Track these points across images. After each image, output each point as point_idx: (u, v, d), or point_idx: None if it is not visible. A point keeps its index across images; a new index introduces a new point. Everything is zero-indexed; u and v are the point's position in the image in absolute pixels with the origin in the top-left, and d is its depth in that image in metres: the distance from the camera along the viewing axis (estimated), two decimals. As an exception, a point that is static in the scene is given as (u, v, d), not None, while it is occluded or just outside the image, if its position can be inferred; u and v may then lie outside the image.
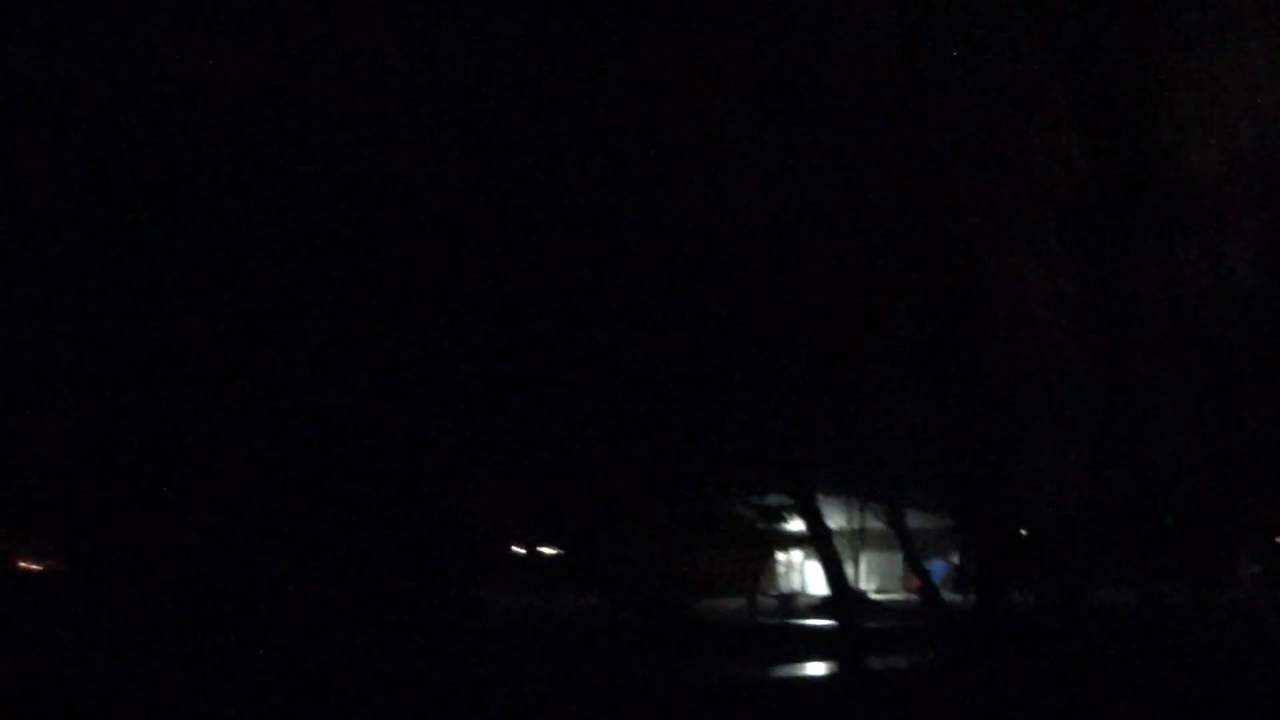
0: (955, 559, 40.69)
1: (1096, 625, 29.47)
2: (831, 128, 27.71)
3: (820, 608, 42.18)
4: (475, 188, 29.85)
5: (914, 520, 34.21)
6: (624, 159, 29.28)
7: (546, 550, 41.66)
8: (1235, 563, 34.82)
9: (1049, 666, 26.30)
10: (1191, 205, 28.33)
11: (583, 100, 29.27)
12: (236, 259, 29.10)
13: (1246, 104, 28.17)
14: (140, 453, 29.60)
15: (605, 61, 28.72)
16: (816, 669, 31.13)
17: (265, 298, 28.82)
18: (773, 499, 40.48)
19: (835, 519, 38.31)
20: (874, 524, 39.53)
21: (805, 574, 50.36)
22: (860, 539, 43.33)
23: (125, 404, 28.78)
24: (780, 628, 40.10)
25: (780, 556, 50.81)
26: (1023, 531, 32.86)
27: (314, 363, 28.93)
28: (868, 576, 46.51)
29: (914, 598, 36.10)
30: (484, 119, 29.65)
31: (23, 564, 37.56)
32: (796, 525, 40.34)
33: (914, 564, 33.75)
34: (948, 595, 33.78)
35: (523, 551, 42.35)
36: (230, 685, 24.59)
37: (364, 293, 29.29)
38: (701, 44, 27.76)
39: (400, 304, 29.55)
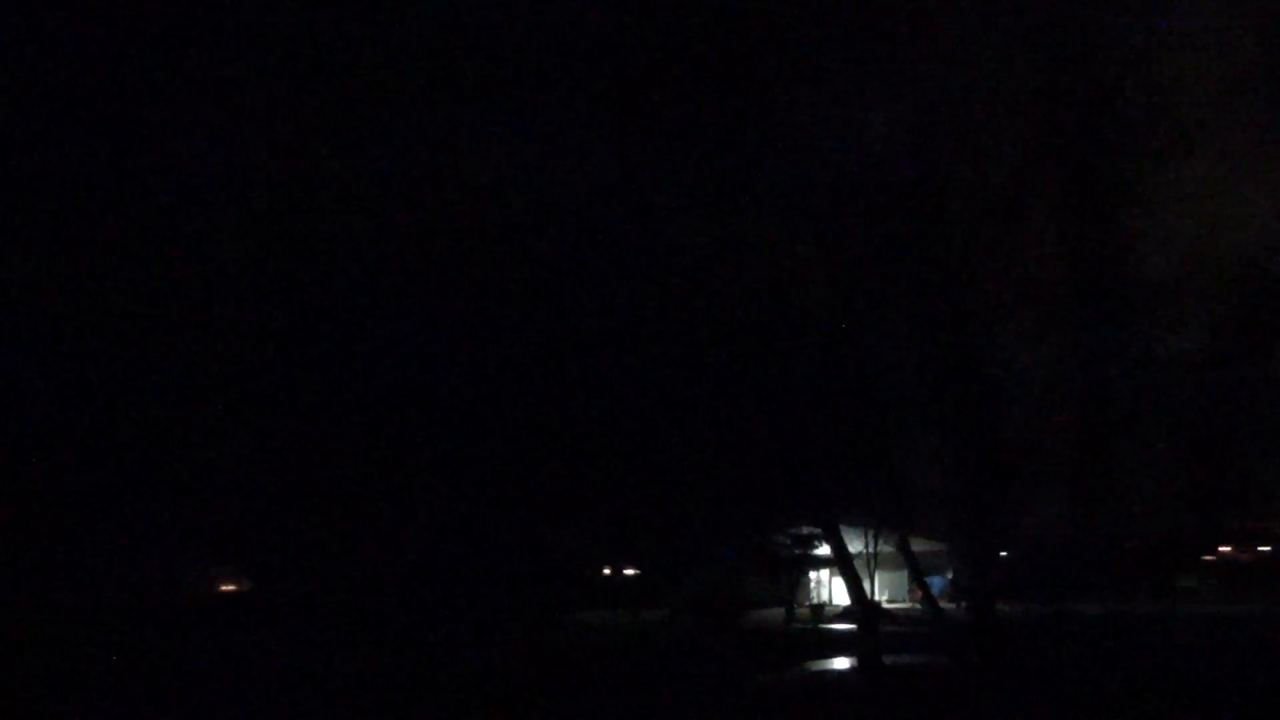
0: (950, 575, 41.29)
1: (1070, 628, 29.60)
2: (863, 243, 27.10)
3: (844, 614, 43.02)
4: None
5: (917, 545, 33.98)
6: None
7: (630, 573, 41.88)
8: (1173, 579, 35.24)
9: (1030, 662, 26.59)
10: (1148, 298, 27.60)
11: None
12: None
13: (1195, 214, 27.38)
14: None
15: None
16: (841, 664, 30.84)
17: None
18: (805, 531, 41.37)
19: (856, 545, 37.99)
20: (887, 549, 40.15)
21: (833, 588, 51.40)
22: (875, 560, 43.14)
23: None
24: (813, 630, 40.32)
25: (813, 576, 51.50)
26: (1004, 554, 32.29)
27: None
28: (882, 590, 46.74)
29: (918, 606, 36.57)
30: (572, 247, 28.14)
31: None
32: (824, 550, 40.67)
33: (918, 579, 33.60)
34: (944, 604, 33.71)
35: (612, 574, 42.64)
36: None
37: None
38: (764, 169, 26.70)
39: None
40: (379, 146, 27.75)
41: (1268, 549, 42.53)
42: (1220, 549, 43.10)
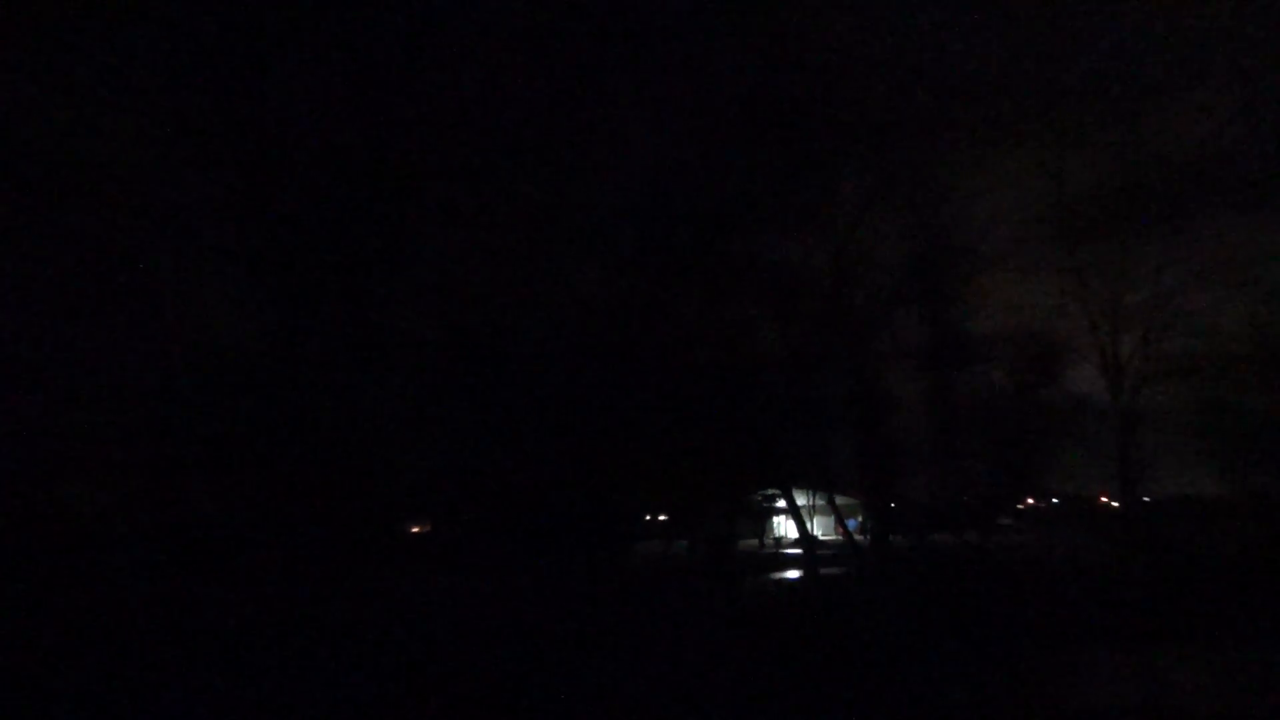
0: (860, 519, 41.94)
1: (931, 554, 30.48)
2: (804, 333, 27.80)
3: (795, 544, 43.51)
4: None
5: (840, 500, 34.47)
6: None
7: (663, 518, 41.72)
8: (997, 519, 36.16)
9: (906, 574, 27.32)
10: (976, 350, 29.86)
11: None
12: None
13: (1000, 302, 30.15)
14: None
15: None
16: (793, 575, 31.49)
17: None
18: (770, 492, 42.05)
19: (802, 500, 38.42)
20: (821, 502, 40.92)
21: (787, 528, 51.39)
22: (814, 510, 44.59)
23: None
24: (775, 555, 40.70)
25: (775, 520, 51.70)
26: (893, 505, 33.35)
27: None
28: (818, 528, 47.30)
29: (840, 539, 35.90)
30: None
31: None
32: (782, 504, 40.94)
33: (840, 522, 34.09)
34: (857, 538, 34.42)
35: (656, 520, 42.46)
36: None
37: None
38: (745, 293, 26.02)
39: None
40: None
41: (1056, 501, 45.33)
42: (1028, 501, 45.45)
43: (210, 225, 13.55)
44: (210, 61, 12.80)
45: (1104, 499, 39.53)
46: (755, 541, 46.48)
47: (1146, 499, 34.00)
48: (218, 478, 19.03)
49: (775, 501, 44.04)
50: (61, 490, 20.77)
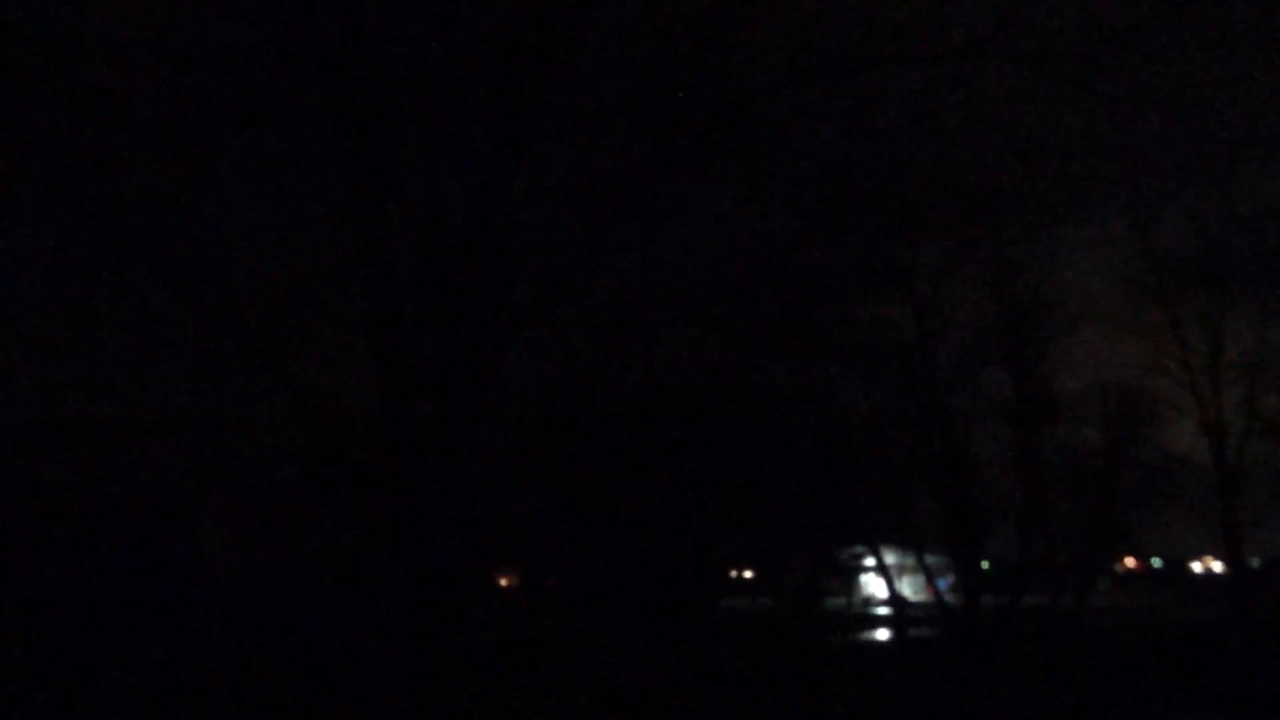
0: (951, 579, 40.54)
1: (1026, 615, 29.82)
2: (888, 393, 28.04)
3: (883, 604, 44.41)
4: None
5: (931, 559, 34.56)
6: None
7: (749, 574, 43.13)
8: (1093, 581, 34.73)
9: (996, 635, 27.42)
10: (1063, 408, 29.44)
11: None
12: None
13: (1098, 360, 30.64)
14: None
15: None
16: (882, 635, 33.28)
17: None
18: (859, 550, 41.22)
19: (891, 558, 38.14)
20: (910, 561, 40.39)
21: (876, 587, 50.01)
22: (903, 569, 43.69)
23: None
24: (864, 614, 42.72)
25: (863, 578, 51.76)
26: (985, 565, 32.85)
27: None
28: (908, 588, 45.56)
29: (930, 599, 35.86)
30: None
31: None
32: (871, 562, 40.52)
33: (930, 581, 34.04)
34: (948, 598, 33.69)
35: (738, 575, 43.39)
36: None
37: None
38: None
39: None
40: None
41: (1158, 564, 44.30)
42: (1126, 563, 44.05)
43: (336, 297, 14.94)
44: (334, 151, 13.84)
45: (1196, 563, 38.37)
46: (844, 600, 47.33)
47: (1256, 561, 33.93)
48: (329, 526, 20.39)
49: (864, 559, 43.86)
50: (187, 531, 22.38)
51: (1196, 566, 45.87)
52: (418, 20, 14.51)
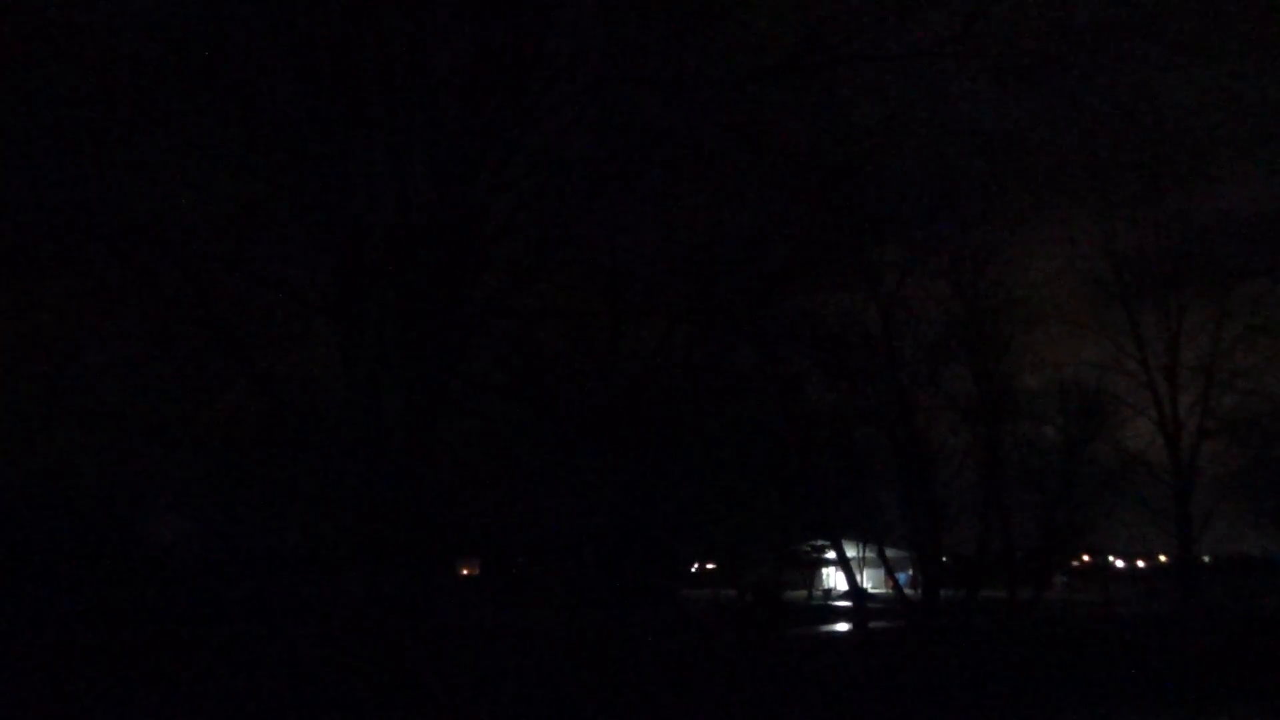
0: (910, 572, 40.96)
1: (982, 608, 30.07)
2: (852, 386, 27.65)
3: (844, 596, 43.51)
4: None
5: (892, 553, 34.47)
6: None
7: (711, 566, 42.44)
8: (1051, 576, 35.61)
9: (955, 627, 27.39)
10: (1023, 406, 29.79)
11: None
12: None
13: (1059, 359, 30.77)
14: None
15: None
16: (842, 627, 32.14)
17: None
18: (820, 543, 41.74)
19: (852, 552, 38.55)
20: (871, 555, 39.98)
21: (837, 580, 50.51)
22: (864, 562, 44.02)
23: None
24: (824, 606, 41.40)
25: (825, 571, 51.45)
26: (945, 559, 32.29)
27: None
28: (869, 581, 46.80)
29: (891, 592, 36.08)
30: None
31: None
32: (832, 555, 40.29)
33: (890, 575, 33.98)
34: (908, 591, 33.91)
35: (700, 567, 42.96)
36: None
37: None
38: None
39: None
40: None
41: (1113, 559, 45.02)
42: (1084, 558, 44.37)
43: (304, 283, 14.88)
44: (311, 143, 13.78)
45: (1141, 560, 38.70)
46: (804, 592, 46.98)
47: (1206, 559, 34.51)
48: (294, 513, 20.23)
49: (825, 552, 44.06)
50: (145, 521, 22.21)
51: (1141, 563, 46.48)
52: (387, 5, 14.47)
